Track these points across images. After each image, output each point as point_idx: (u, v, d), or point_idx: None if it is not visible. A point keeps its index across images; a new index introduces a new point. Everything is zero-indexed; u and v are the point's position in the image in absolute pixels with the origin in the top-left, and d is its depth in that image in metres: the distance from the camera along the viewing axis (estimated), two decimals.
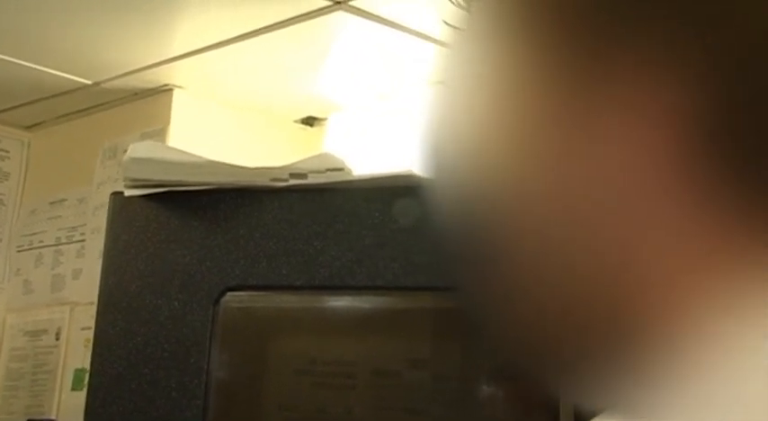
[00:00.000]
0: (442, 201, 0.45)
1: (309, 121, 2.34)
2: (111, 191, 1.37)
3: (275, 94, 2.21)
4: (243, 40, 1.97)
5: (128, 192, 1.26)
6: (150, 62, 2.07)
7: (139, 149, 1.25)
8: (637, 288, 0.40)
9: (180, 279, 1.26)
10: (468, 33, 0.44)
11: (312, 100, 2.23)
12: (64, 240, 2.40)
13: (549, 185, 0.40)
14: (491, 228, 0.42)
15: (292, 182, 1.25)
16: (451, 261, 0.46)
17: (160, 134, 2.17)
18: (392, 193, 1.32)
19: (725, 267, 0.38)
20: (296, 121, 2.36)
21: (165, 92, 2.20)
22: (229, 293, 1.26)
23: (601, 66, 0.38)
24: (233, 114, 2.26)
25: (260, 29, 1.91)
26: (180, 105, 2.19)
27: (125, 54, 2.05)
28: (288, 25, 1.89)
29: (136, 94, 2.23)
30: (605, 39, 0.38)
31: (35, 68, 2.16)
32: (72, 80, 2.20)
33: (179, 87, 2.19)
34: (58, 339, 2.34)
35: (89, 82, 2.20)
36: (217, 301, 1.26)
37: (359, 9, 1.82)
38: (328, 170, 1.25)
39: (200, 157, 1.30)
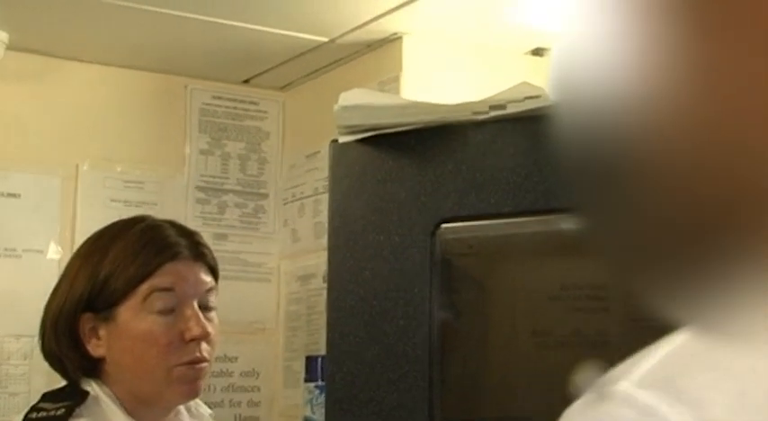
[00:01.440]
0: (581, 125, 0.47)
1: (539, 52, 2.34)
2: None
3: (501, 29, 2.23)
4: None
5: (342, 139, 1.34)
6: (377, 13, 2.15)
7: (348, 98, 1.32)
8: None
9: (397, 215, 1.34)
10: None
11: (538, 31, 2.23)
12: (321, 190, 2.55)
13: (689, 99, 0.42)
14: (634, 146, 0.44)
15: (493, 113, 1.28)
16: (589, 181, 0.48)
17: (395, 81, 2.25)
18: None
19: None
20: (526, 53, 2.36)
21: (394, 40, 2.27)
22: (444, 225, 1.32)
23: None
24: (462, 53, 2.30)
25: None
26: (410, 51, 2.26)
27: (354, 8, 2.14)
28: None
29: (369, 46, 2.32)
30: None
31: (278, 33, 2.29)
32: (311, 40, 2.32)
33: (407, 34, 2.25)
34: (325, 282, 2.50)
35: (326, 39, 2.32)
36: (433, 233, 1.32)
37: None
38: (526, 98, 1.26)
39: (404, 100, 1.36)
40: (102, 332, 1.44)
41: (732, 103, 0.41)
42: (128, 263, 1.42)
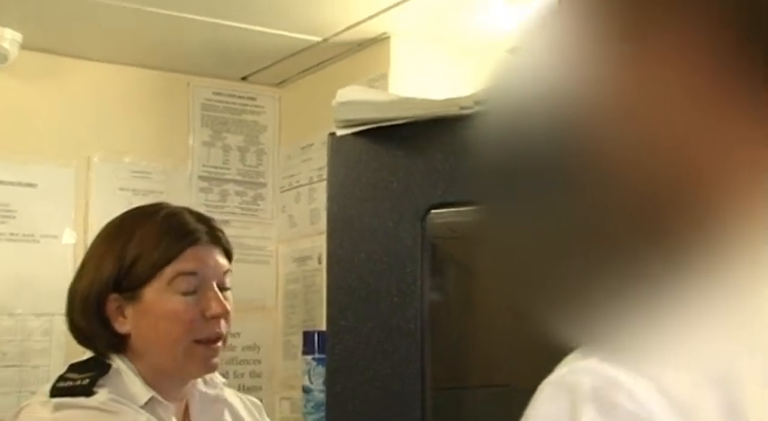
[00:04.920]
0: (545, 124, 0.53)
1: (516, 51, 2.38)
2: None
3: (483, 29, 2.26)
4: None
5: (339, 132, 1.37)
6: (367, 14, 2.18)
7: (345, 94, 1.36)
8: (700, 170, 0.46)
9: (390, 202, 1.37)
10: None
11: (517, 31, 2.26)
12: (315, 179, 2.59)
13: (626, 101, 0.47)
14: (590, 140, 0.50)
15: (477, 108, 1.32)
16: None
17: (383, 78, 2.29)
18: None
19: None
20: (506, 52, 2.40)
21: (383, 40, 2.31)
22: (433, 211, 1.36)
23: (652, 14, 0.46)
24: (446, 52, 2.34)
25: None
26: (397, 50, 2.30)
27: (345, 10, 2.17)
28: None
29: (359, 45, 2.36)
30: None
31: (275, 33, 2.32)
32: (305, 39, 2.35)
33: (395, 34, 2.29)
34: (320, 263, 2.54)
35: (319, 39, 2.35)
36: (423, 219, 1.35)
37: None
38: None
39: (396, 96, 1.39)
40: (127, 311, 1.47)
41: (656, 100, 0.46)
42: (152, 248, 1.46)
